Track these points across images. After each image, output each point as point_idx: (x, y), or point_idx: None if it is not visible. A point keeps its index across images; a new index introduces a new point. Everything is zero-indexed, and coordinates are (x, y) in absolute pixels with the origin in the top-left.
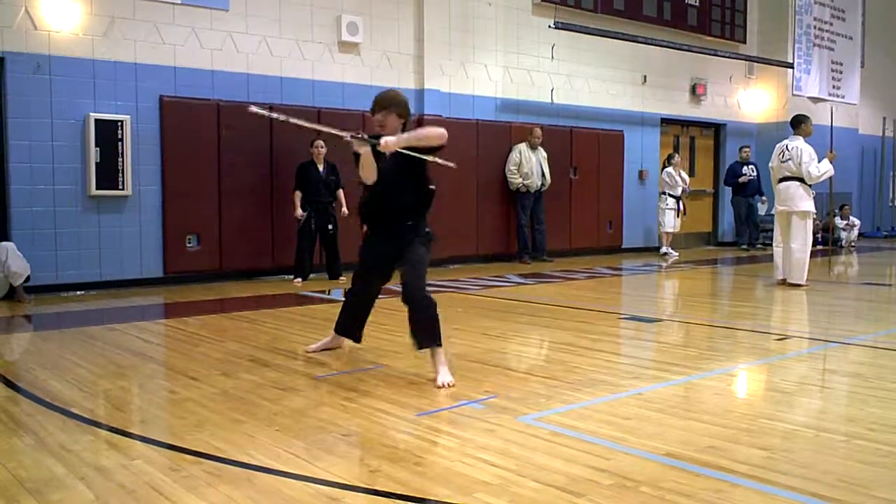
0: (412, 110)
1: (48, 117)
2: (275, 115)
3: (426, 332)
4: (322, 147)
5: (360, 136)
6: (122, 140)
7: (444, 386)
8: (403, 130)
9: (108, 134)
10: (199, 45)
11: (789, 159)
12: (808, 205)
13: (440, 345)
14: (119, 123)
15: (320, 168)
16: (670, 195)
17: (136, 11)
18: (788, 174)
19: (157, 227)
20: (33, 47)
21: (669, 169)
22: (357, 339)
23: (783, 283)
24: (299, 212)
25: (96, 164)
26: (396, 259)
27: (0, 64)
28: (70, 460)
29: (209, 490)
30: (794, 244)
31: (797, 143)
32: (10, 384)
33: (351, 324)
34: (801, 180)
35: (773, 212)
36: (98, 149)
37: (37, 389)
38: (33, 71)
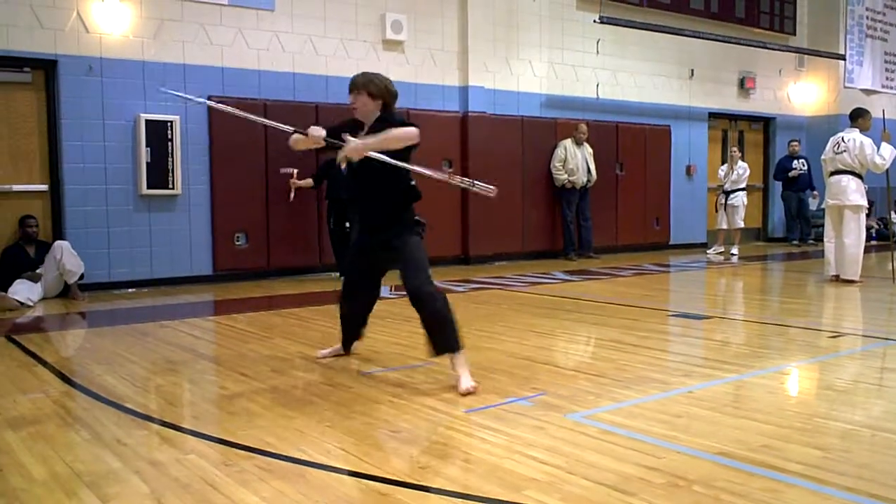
0: (458, 108)
1: (100, 118)
2: (221, 106)
3: (439, 334)
4: None
5: (300, 131)
6: (171, 140)
7: (468, 392)
8: (384, 113)
9: (158, 134)
10: (245, 45)
11: (844, 151)
12: (861, 199)
13: (458, 350)
14: (168, 124)
15: (342, 167)
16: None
17: (185, 13)
18: (842, 167)
19: (207, 225)
20: (85, 50)
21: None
22: (358, 337)
23: (836, 279)
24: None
25: (147, 163)
26: (386, 252)
27: (53, 67)
28: (125, 454)
29: (262, 485)
30: (848, 239)
31: (854, 136)
32: (67, 379)
33: (348, 334)
34: (854, 173)
35: (824, 206)
36: (148, 149)
37: (92, 385)
38: (85, 73)
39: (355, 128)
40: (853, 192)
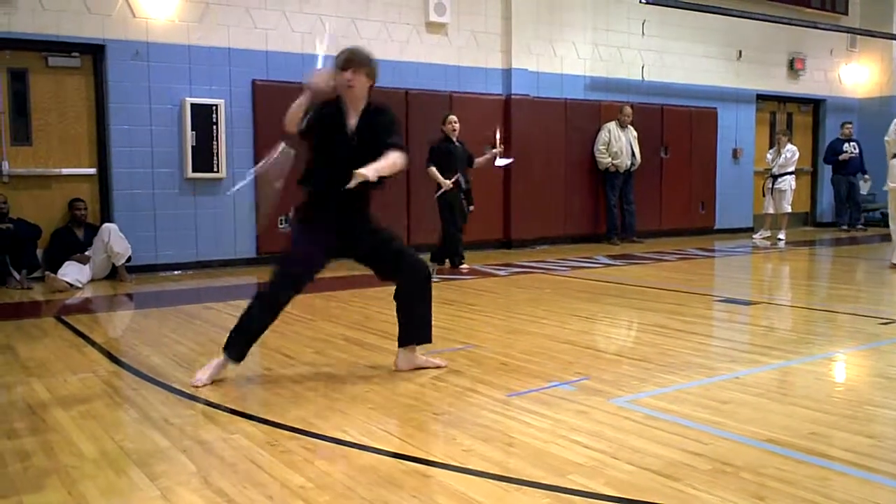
0: (501, 91)
1: (147, 102)
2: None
3: (428, 321)
4: (457, 122)
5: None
6: (216, 124)
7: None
8: (373, 101)
9: (204, 118)
10: (289, 28)
11: None
12: None
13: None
14: (214, 107)
15: (458, 145)
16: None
17: None
18: None
19: (251, 208)
20: (132, 34)
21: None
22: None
23: None
24: (446, 182)
25: (192, 147)
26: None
27: (101, 51)
28: (172, 433)
29: (306, 465)
30: None
31: None
32: (115, 359)
33: (249, 343)
34: None
35: (886, 188)
36: (194, 133)
37: (140, 365)
38: (132, 57)
39: (333, 111)
40: None
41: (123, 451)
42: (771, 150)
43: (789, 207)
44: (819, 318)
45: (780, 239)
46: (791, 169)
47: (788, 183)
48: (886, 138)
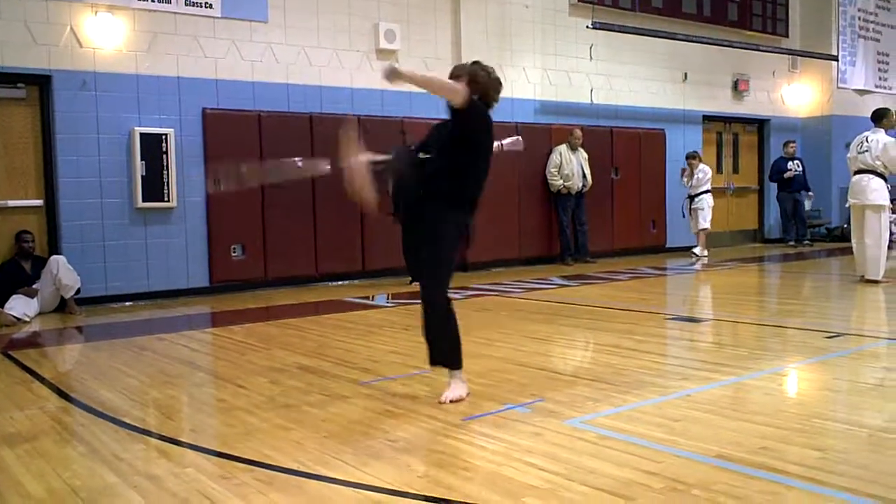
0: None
1: (95, 132)
2: None
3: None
4: None
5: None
6: (166, 153)
7: (447, 402)
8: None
9: (153, 147)
10: (239, 57)
11: (866, 151)
12: (881, 198)
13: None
14: (163, 136)
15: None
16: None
17: (178, 26)
18: (863, 166)
19: (203, 237)
20: (79, 65)
21: None
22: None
23: (867, 280)
24: None
25: (142, 177)
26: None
27: (48, 82)
28: (122, 469)
29: (260, 497)
30: (869, 239)
31: (878, 136)
32: (64, 395)
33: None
34: (876, 173)
35: (846, 206)
36: (143, 162)
37: (89, 399)
38: (79, 88)
39: None
40: (873, 192)
41: (72, 489)
42: (685, 173)
43: (707, 224)
44: (768, 334)
45: (695, 254)
46: (706, 188)
47: (706, 201)
48: (848, 156)
